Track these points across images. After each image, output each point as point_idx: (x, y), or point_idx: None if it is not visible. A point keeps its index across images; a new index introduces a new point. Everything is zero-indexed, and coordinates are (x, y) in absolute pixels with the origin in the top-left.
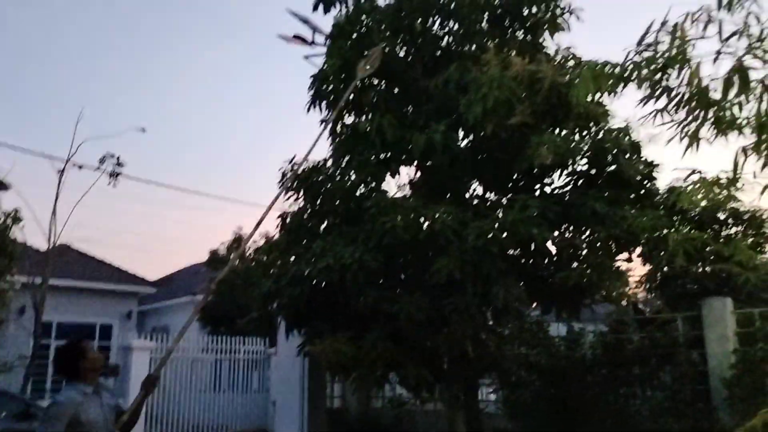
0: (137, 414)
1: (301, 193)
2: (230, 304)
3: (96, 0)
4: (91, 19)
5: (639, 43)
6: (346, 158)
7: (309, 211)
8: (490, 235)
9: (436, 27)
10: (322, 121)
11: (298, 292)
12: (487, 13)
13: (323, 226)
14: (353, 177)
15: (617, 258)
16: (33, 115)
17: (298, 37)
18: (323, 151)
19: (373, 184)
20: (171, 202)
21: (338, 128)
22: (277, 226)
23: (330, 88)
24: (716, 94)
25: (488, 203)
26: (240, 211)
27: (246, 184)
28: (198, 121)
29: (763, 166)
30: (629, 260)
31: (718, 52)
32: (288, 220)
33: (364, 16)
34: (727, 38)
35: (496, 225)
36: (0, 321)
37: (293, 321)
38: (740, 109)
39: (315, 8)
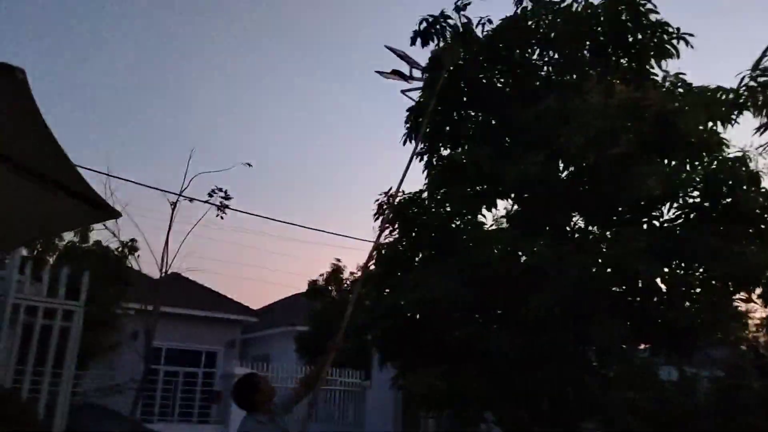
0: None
1: (397, 224)
2: (326, 336)
3: (202, 36)
4: (199, 56)
5: (755, 68)
6: (442, 190)
7: (404, 242)
8: (592, 270)
9: (535, 57)
10: (417, 154)
11: (391, 324)
12: (588, 42)
13: (417, 258)
14: (448, 209)
15: (735, 298)
16: (150, 151)
17: (396, 72)
18: (419, 183)
19: (469, 217)
20: (274, 234)
21: (434, 160)
22: (372, 258)
23: (426, 121)
24: None
25: (590, 237)
26: (338, 242)
27: (344, 216)
28: (301, 155)
29: None
30: (748, 301)
31: None
32: (383, 251)
33: (461, 49)
34: None
35: (599, 260)
36: (114, 345)
37: (386, 353)
38: None
39: (413, 42)
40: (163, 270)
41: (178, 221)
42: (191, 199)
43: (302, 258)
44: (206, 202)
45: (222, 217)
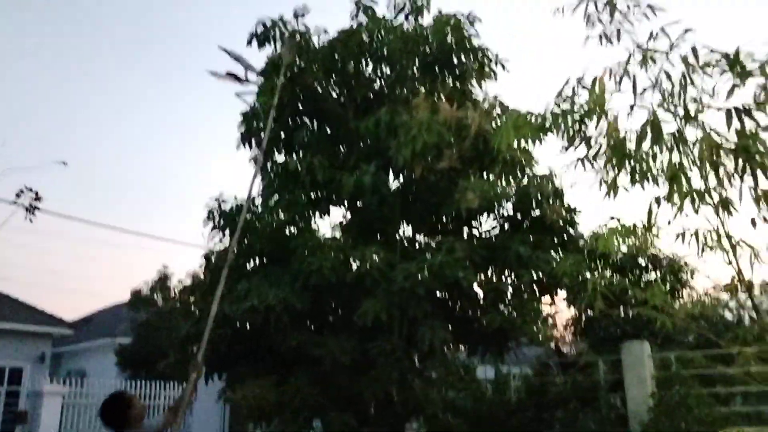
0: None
1: (227, 231)
2: (151, 348)
3: (20, 27)
4: (11, 47)
5: (558, 95)
6: (275, 197)
7: (235, 250)
8: (417, 278)
9: (368, 70)
10: (251, 159)
11: (220, 334)
12: (418, 60)
13: (249, 266)
14: (282, 216)
15: (541, 301)
16: None
17: (230, 74)
18: (252, 188)
19: (302, 224)
20: (92, 240)
21: (269, 166)
22: (201, 266)
23: (261, 125)
24: (632, 145)
25: (417, 245)
26: (164, 249)
27: (171, 222)
28: (123, 157)
29: (676, 215)
30: (553, 303)
31: (633, 106)
32: (212, 259)
33: (297, 56)
34: (641, 92)
35: (424, 267)
36: None
37: (214, 365)
38: (654, 159)
39: (249, 43)
40: None
41: None
42: None
43: (125, 265)
44: (13, 203)
45: (31, 220)
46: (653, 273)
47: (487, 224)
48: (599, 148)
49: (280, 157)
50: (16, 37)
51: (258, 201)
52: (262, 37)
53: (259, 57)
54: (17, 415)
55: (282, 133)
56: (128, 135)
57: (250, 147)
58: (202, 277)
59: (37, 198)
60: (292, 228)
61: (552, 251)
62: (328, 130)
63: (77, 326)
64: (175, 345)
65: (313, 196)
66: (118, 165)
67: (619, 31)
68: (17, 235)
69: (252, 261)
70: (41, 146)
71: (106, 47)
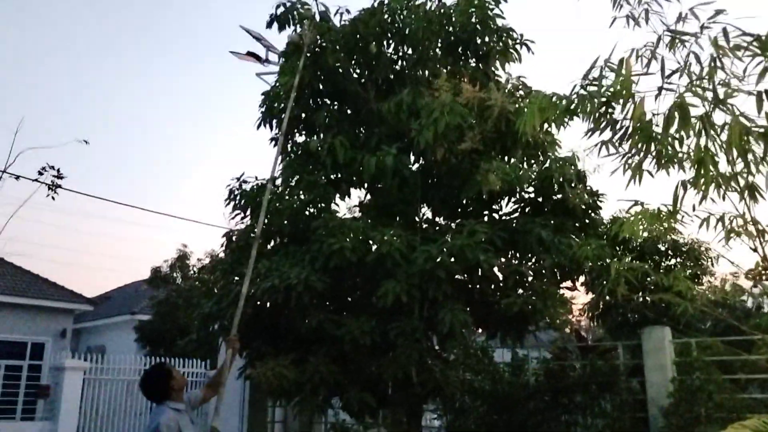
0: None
1: (248, 211)
2: (170, 325)
3: (34, 8)
4: (29, 29)
5: (584, 77)
6: (296, 177)
7: (255, 229)
8: (437, 260)
9: (390, 51)
10: (272, 139)
11: (241, 312)
12: (440, 40)
13: (269, 246)
14: (302, 197)
15: (561, 285)
16: None
17: (251, 54)
18: (275, 168)
19: (322, 205)
20: (112, 218)
21: (289, 146)
22: (222, 245)
23: (281, 105)
24: (658, 129)
25: (437, 227)
26: (184, 228)
27: (192, 201)
28: (143, 136)
29: (701, 200)
30: (573, 288)
31: (661, 89)
32: (234, 238)
33: (318, 36)
34: (669, 75)
35: (444, 249)
36: None
37: None
38: (680, 144)
39: (269, 26)
40: None
41: (2, 202)
42: (18, 177)
43: (145, 243)
44: (35, 180)
45: (53, 198)
46: (673, 259)
47: (508, 207)
48: (625, 132)
49: (300, 138)
50: (40, 16)
51: (278, 181)
52: (282, 19)
53: (279, 39)
54: (40, 389)
55: (302, 113)
56: (150, 115)
57: (271, 127)
58: (222, 255)
59: (59, 176)
60: (312, 209)
61: (573, 235)
62: (348, 111)
63: (97, 302)
64: (195, 323)
65: (333, 177)
66: (141, 145)
67: (647, 12)
68: (39, 213)
69: (272, 241)
70: (65, 126)
71: (129, 27)
